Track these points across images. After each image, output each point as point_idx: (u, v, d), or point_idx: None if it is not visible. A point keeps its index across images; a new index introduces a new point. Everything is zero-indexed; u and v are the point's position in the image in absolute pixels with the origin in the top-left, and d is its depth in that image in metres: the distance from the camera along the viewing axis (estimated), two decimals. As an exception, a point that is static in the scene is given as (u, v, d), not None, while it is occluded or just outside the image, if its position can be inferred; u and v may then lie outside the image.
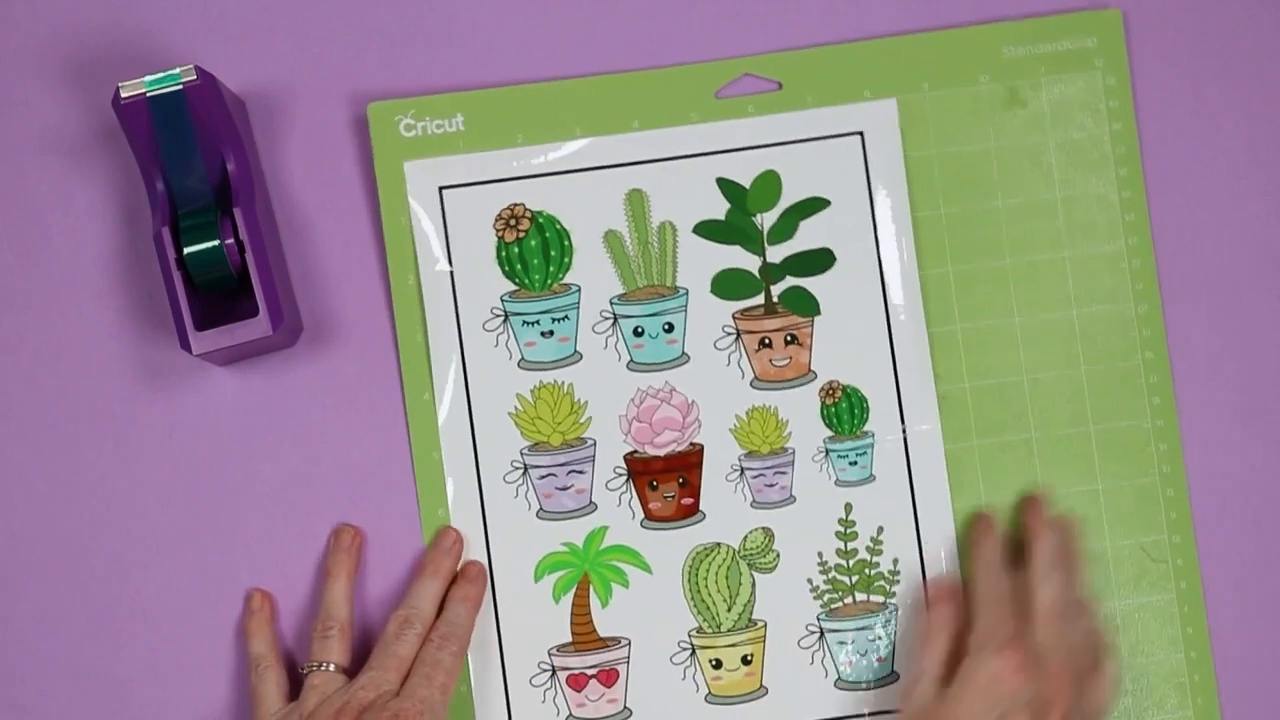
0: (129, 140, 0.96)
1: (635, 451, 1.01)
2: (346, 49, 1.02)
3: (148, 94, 0.95)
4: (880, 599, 1.01)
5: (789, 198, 1.02)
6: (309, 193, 1.02)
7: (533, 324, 1.02)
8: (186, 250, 0.95)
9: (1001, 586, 0.98)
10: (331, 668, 0.97)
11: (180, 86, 0.95)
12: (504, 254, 1.02)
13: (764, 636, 1.01)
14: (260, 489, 1.01)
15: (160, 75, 0.95)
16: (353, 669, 0.97)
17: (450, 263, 1.01)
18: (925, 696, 0.96)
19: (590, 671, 1.01)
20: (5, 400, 1.01)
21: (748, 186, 1.02)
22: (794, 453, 1.01)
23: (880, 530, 1.01)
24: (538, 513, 1.01)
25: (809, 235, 1.02)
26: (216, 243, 0.95)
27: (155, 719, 1.01)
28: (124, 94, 0.95)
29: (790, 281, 1.02)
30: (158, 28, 1.02)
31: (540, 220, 1.02)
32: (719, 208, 1.02)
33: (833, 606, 1.01)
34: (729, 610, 1.01)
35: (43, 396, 1.01)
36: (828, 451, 1.01)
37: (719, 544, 1.01)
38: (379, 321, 1.02)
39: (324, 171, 1.02)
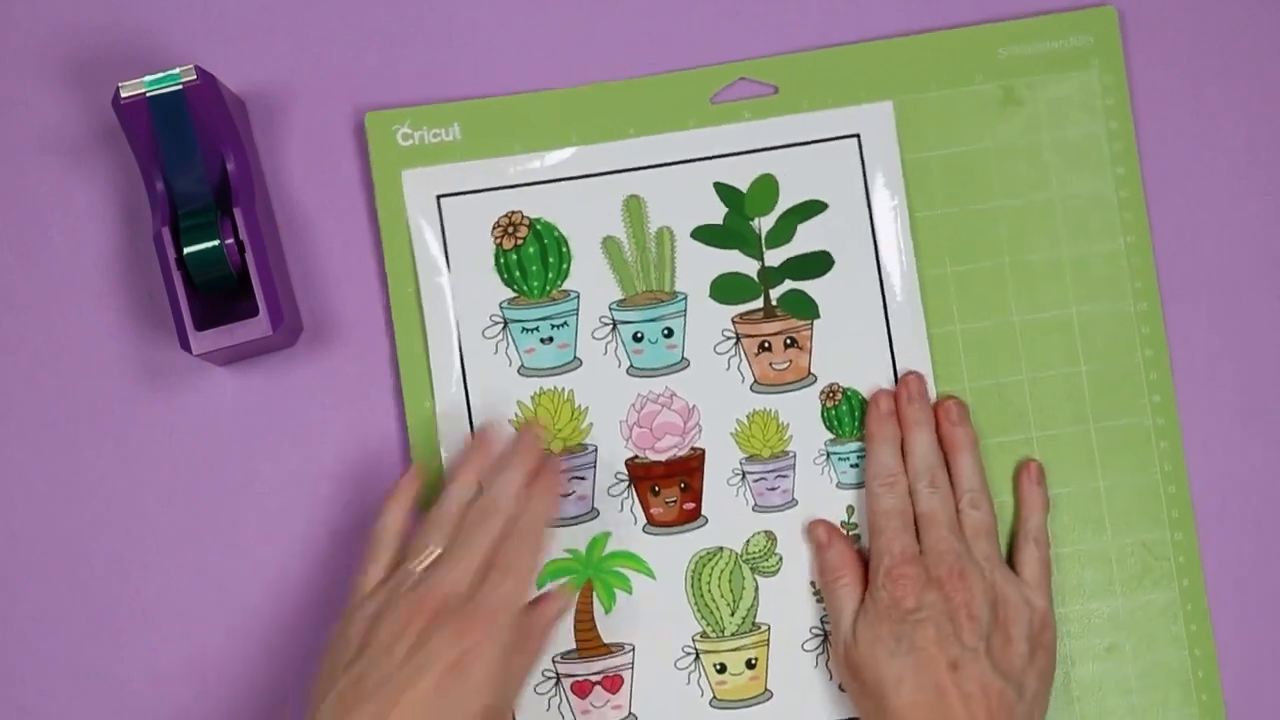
0: (129, 140, 0.96)
1: (636, 457, 1.01)
2: (346, 49, 1.03)
3: (148, 94, 0.95)
4: (883, 601, 1.01)
5: (786, 201, 1.02)
6: (309, 193, 1.02)
7: (532, 331, 1.02)
8: (186, 250, 0.95)
9: (892, 501, 0.98)
10: (431, 557, 0.93)
11: (180, 86, 0.95)
12: (502, 261, 1.02)
13: (768, 640, 1.01)
14: (260, 489, 1.01)
15: (160, 75, 0.95)
16: None
17: (449, 271, 1.01)
18: (843, 642, 0.97)
19: (595, 678, 1.01)
20: (5, 400, 1.01)
21: (745, 191, 1.02)
22: (795, 456, 1.01)
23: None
24: (540, 519, 1.01)
25: (807, 238, 1.02)
26: (216, 243, 0.95)
27: (155, 719, 1.01)
28: (124, 94, 0.95)
29: (789, 285, 1.02)
30: (158, 28, 1.02)
31: (538, 227, 1.02)
32: (717, 212, 1.02)
33: (836, 609, 1.01)
34: (732, 614, 1.01)
35: (43, 396, 1.01)
36: (829, 454, 1.01)
37: (721, 548, 1.01)
38: (379, 322, 1.02)
39: (324, 172, 1.02)
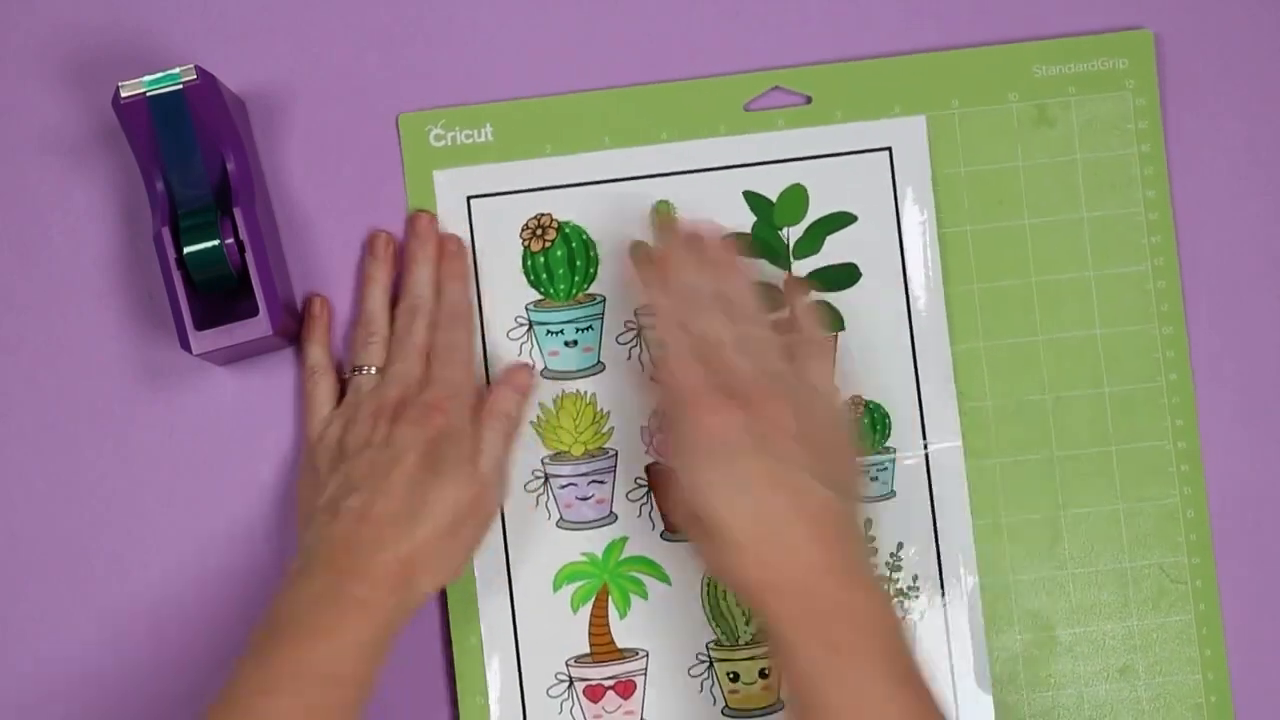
0: (129, 140, 0.96)
1: (657, 463, 1.02)
2: (347, 49, 1.02)
3: (148, 94, 0.95)
4: (900, 615, 1.01)
5: (815, 212, 1.02)
6: (309, 193, 1.02)
7: (557, 333, 1.02)
8: (186, 250, 0.95)
9: (670, 343, 0.95)
10: (374, 370, 0.99)
11: (180, 86, 0.95)
12: (530, 263, 1.02)
13: (782, 650, 1.01)
14: (260, 489, 1.02)
15: (160, 75, 0.95)
16: None
17: (476, 271, 1.02)
18: (679, 500, 0.94)
19: (608, 683, 1.01)
20: (5, 400, 1.02)
21: (774, 200, 1.02)
22: (815, 467, 1.01)
23: (900, 546, 1.01)
24: (557, 522, 1.01)
25: (835, 250, 1.02)
26: (216, 243, 0.95)
27: (155, 719, 1.01)
28: (124, 94, 0.95)
29: (815, 296, 1.02)
30: (158, 28, 1.02)
31: (566, 230, 1.02)
32: (745, 220, 1.02)
33: (851, 621, 1.01)
34: (747, 623, 1.01)
35: (43, 396, 1.01)
36: (849, 467, 1.01)
37: (739, 557, 1.01)
38: (378, 321, 1.02)
39: (324, 171, 1.02)
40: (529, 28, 1.03)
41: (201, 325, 0.96)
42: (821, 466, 0.91)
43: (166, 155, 0.95)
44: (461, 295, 1.01)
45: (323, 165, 1.02)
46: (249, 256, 0.96)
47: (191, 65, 0.95)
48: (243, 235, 0.96)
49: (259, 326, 0.96)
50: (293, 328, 1.00)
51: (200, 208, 0.96)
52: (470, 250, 1.01)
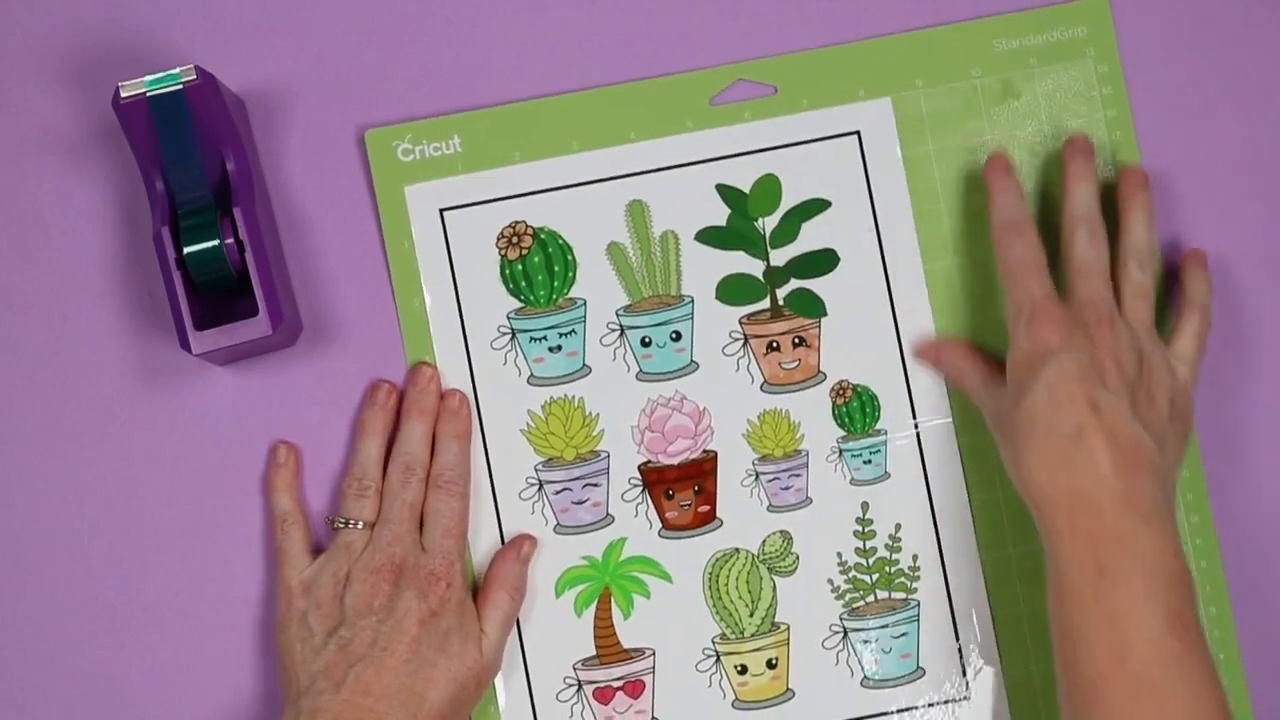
0: (129, 140, 0.96)
1: (649, 461, 1.01)
2: (347, 49, 1.02)
3: (148, 94, 0.95)
4: (902, 596, 1.01)
5: (789, 200, 1.02)
6: (309, 193, 1.02)
7: (540, 340, 1.02)
8: (186, 250, 0.95)
9: (1021, 249, 0.96)
10: (362, 525, 0.98)
11: (180, 86, 0.95)
12: (508, 272, 1.02)
13: (788, 639, 1.01)
14: (260, 488, 1.01)
15: (160, 75, 0.95)
16: None
17: (455, 283, 1.01)
18: (993, 409, 0.95)
19: (616, 684, 1.01)
20: (5, 400, 1.01)
21: (748, 191, 1.02)
22: (808, 454, 1.01)
23: (898, 527, 1.01)
24: (555, 527, 1.01)
25: (811, 237, 1.02)
26: (216, 243, 0.95)
27: (155, 719, 1.01)
28: (124, 94, 0.95)
29: (795, 284, 1.02)
30: (158, 28, 1.02)
31: (542, 236, 1.02)
32: (720, 214, 1.02)
33: (855, 606, 1.01)
34: (751, 615, 1.01)
35: (43, 396, 1.01)
36: (841, 451, 1.01)
37: (738, 549, 1.01)
38: (379, 321, 1.02)
39: (324, 172, 1.02)
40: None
41: (201, 325, 0.96)
42: (1147, 416, 0.91)
43: (166, 155, 0.95)
44: (460, 458, 1.00)
45: (322, 165, 1.02)
46: (249, 256, 0.96)
47: (191, 65, 0.95)
48: (243, 235, 0.96)
49: (259, 326, 0.96)
50: (293, 328, 1.00)
51: (200, 208, 0.95)
52: (474, 407, 1.01)
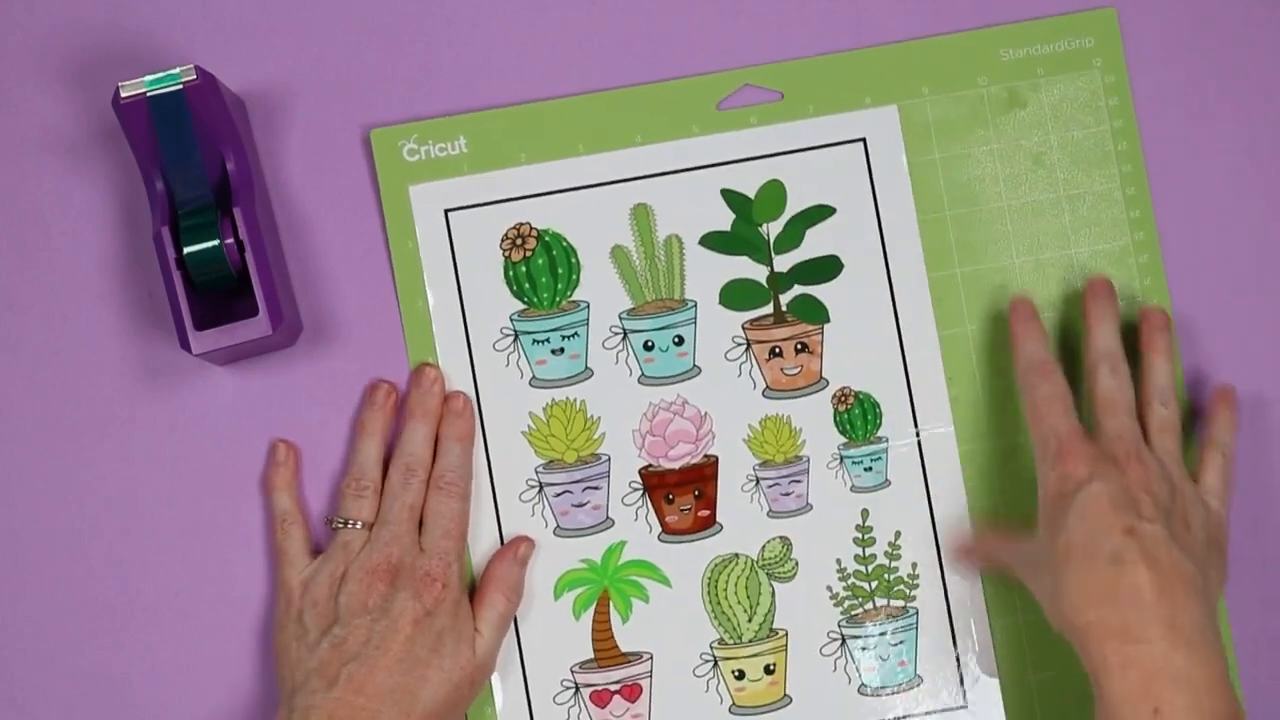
0: (129, 140, 0.96)
1: (650, 465, 1.01)
2: (347, 49, 1.02)
3: (148, 94, 0.95)
4: (901, 604, 1.01)
5: (794, 206, 1.02)
6: (309, 193, 1.02)
7: (543, 342, 1.02)
8: (186, 250, 0.95)
9: (1048, 388, 0.95)
10: (360, 525, 0.98)
11: (180, 86, 0.95)
12: (511, 273, 1.02)
13: (786, 645, 1.01)
14: (260, 489, 1.01)
15: (160, 75, 0.95)
16: None
17: (459, 284, 1.01)
18: (1026, 554, 0.94)
19: (613, 687, 1.01)
20: (5, 400, 1.01)
21: (752, 197, 1.02)
22: (809, 461, 1.01)
23: (898, 535, 1.01)
24: (554, 530, 1.01)
25: (816, 243, 1.02)
26: (216, 243, 0.95)
27: (155, 719, 1.01)
28: (124, 94, 0.95)
29: (799, 290, 1.02)
30: (158, 28, 1.02)
31: (546, 238, 1.02)
32: (724, 219, 1.02)
33: (853, 613, 1.01)
34: (749, 620, 1.01)
35: (43, 396, 1.01)
36: (842, 458, 1.01)
37: (737, 555, 1.01)
38: (379, 321, 1.02)
39: (324, 172, 1.02)
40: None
41: (201, 325, 0.96)
42: (1184, 542, 0.90)
43: (166, 155, 0.95)
44: (462, 459, 1.00)
45: (323, 165, 1.02)
46: (249, 256, 0.96)
47: (191, 65, 0.95)
48: (243, 235, 0.96)
49: (259, 326, 0.96)
50: (293, 328, 1.00)
51: (200, 208, 0.95)
52: (476, 409, 1.01)
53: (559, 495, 1.01)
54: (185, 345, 0.95)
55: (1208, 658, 0.86)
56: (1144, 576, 0.87)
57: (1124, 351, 0.97)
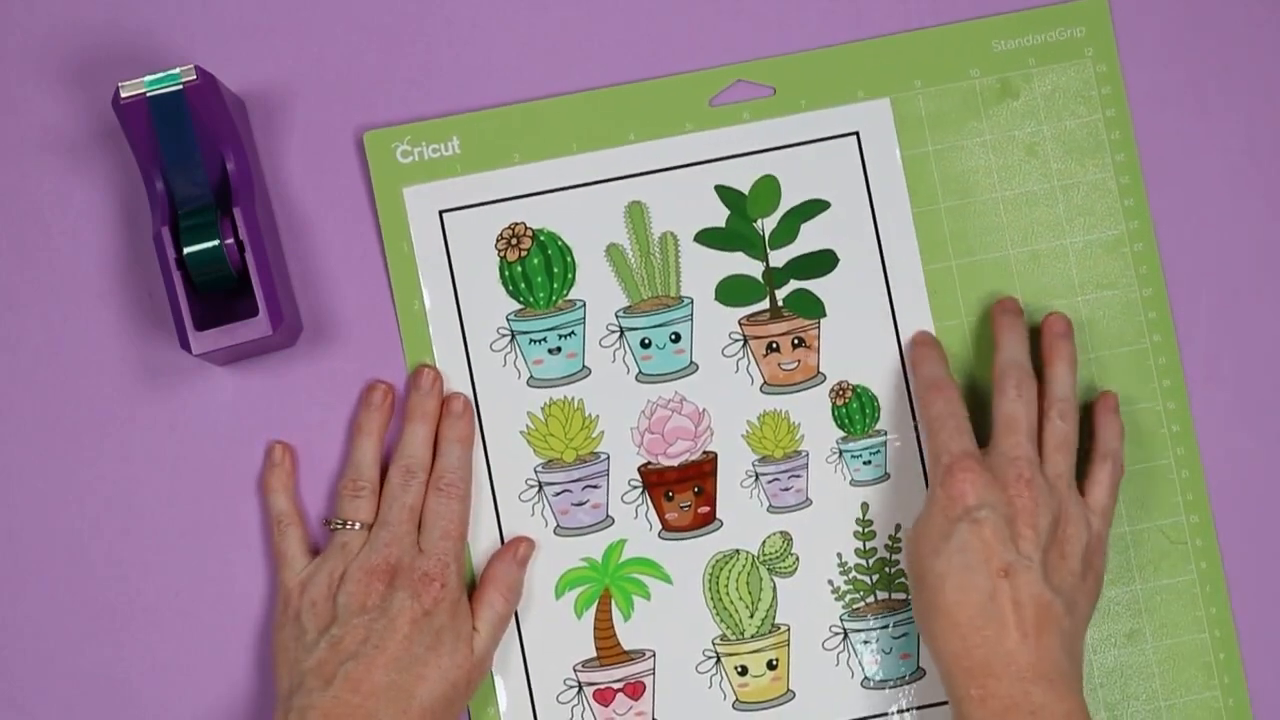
0: (129, 140, 0.96)
1: (649, 463, 1.01)
2: (346, 49, 1.03)
3: (148, 94, 0.95)
4: (902, 596, 1.01)
5: (788, 201, 1.02)
6: (309, 193, 1.02)
7: (540, 342, 1.02)
8: (186, 250, 0.95)
9: (942, 406, 0.97)
10: (358, 526, 0.98)
11: (180, 86, 0.95)
12: (507, 274, 1.02)
13: (788, 640, 1.01)
14: (260, 489, 1.01)
15: (160, 75, 0.95)
16: None
17: (454, 285, 1.01)
18: (912, 535, 0.96)
19: (617, 685, 1.01)
20: (5, 400, 1.01)
21: (747, 192, 1.02)
22: (808, 455, 1.01)
23: (898, 528, 1.01)
24: (555, 529, 1.01)
25: (811, 238, 1.02)
26: (216, 243, 0.95)
27: (155, 719, 1.01)
28: (124, 94, 0.95)
29: (794, 285, 1.02)
30: (158, 28, 1.02)
31: (541, 238, 1.02)
32: (719, 215, 1.02)
33: (855, 607, 1.01)
34: (751, 616, 1.01)
35: (43, 396, 1.01)
36: (841, 452, 1.01)
37: (738, 551, 1.01)
38: (379, 321, 1.02)
39: (324, 172, 1.02)
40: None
41: (201, 325, 0.96)
42: (1058, 577, 0.93)
43: (166, 155, 0.95)
44: (461, 461, 1.00)
45: (322, 166, 1.02)
46: (249, 256, 0.96)
47: (191, 65, 0.95)
48: (243, 235, 0.96)
49: (259, 326, 0.96)
50: (292, 328, 1.00)
51: (200, 208, 0.96)
52: (475, 411, 1.01)
53: (558, 494, 1.01)
54: (185, 345, 0.96)
55: (1064, 694, 0.90)
56: (1010, 620, 0.91)
57: (1030, 368, 0.98)
